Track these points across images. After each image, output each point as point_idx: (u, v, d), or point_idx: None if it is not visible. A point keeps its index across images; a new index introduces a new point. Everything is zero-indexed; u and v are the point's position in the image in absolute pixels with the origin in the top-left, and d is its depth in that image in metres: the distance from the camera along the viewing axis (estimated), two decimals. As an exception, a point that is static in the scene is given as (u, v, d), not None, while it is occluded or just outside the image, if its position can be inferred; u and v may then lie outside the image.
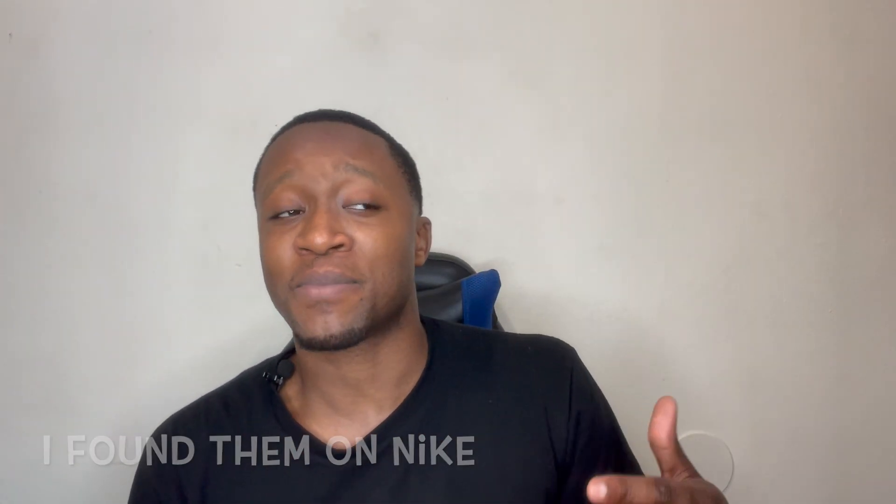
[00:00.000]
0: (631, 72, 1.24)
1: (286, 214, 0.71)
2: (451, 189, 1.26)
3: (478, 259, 1.26)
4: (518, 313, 1.28)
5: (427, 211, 1.27)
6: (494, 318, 1.14)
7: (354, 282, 0.69)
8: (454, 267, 1.17)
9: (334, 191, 0.70)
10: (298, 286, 0.69)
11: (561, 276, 1.28)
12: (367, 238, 0.69)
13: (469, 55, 1.23)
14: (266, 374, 0.81)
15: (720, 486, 1.40)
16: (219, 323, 1.26)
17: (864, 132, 1.25)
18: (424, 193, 1.25)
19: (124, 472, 1.30)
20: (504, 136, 1.25)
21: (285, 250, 0.70)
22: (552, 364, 0.80)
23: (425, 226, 0.82)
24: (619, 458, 0.80)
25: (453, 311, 1.05)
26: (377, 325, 0.72)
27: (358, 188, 0.70)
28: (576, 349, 0.84)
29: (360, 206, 0.70)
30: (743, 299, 1.29)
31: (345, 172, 0.70)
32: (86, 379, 1.26)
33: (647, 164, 1.26)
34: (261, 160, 0.78)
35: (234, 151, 1.23)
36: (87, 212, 1.24)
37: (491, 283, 1.10)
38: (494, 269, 1.15)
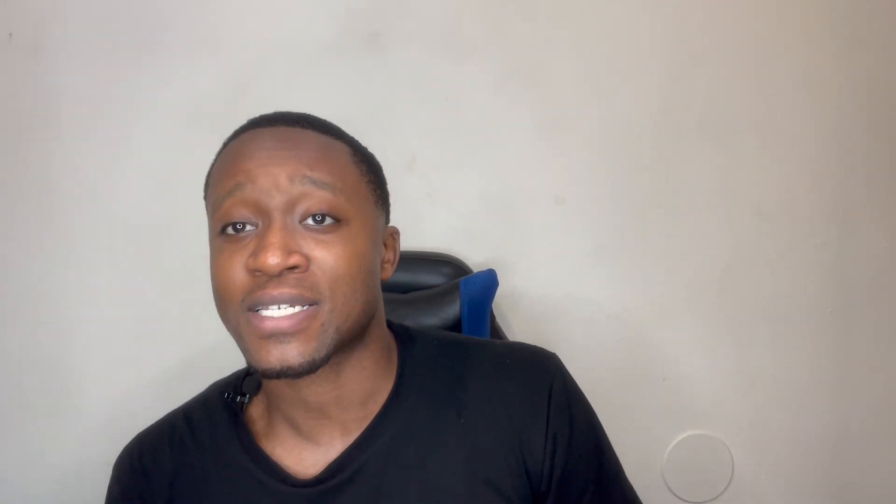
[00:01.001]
0: (631, 72, 1.24)
1: (236, 230, 0.66)
2: (450, 189, 1.26)
3: (477, 259, 1.26)
4: (518, 314, 1.28)
5: (427, 211, 1.28)
6: (492, 317, 1.14)
7: (312, 303, 0.64)
8: (452, 266, 1.17)
9: (290, 205, 0.64)
10: (250, 310, 0.64)
11: (561, 276, 1.28)
12: (326, 256, 0.64)
13: (469, 55, 1.23)
14: (228, 395, 0.77)
15: (720, 487, 1.41)
16: (219, 323, 1.25)
17: (864, 132, 1.25)
18: (424, 193, 1.26)
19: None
20: (504, 135, 1.25)
21: (237, 271, 0.64)
22: (530, 379, 0.74)
23: (393, 235, 0.75)
24: (599, 480, 0.76)
25: (451, 311, 1.05)
26: (340, 349, 0.67)
27: (315, 202, 0.64)
28: (572, 352, 0.81)
29: (317, 222, 0.65)
30: (743, 299, 1.29)
31: (301, 185, 0.64)
32: (86, 379, 1.26)
33: (647, 164, 1.26)
34: (212, 167, 0.72)
35: (234, 151, 1.23)
36: (88, 211, 1.24)
37: (488, 282, 1.10)
38: (492, 268, 1.15)
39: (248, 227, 0.65)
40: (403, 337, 0.78)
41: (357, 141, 0.74)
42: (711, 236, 1.27)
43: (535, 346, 0.79)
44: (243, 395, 0.77)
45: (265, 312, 0.63)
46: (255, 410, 0.77)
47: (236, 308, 0.65)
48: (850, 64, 1.24)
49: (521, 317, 1.28)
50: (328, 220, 0.65)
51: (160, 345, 1.26)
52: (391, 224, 0.77)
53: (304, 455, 0.72)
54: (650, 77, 1.24)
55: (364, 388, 0.72)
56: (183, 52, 1.22)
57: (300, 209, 0.64)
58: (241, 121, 1.18)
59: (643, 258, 1.28)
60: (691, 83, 1.24)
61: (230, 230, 0.66)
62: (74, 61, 1.21)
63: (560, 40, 1.24)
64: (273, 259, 0.61)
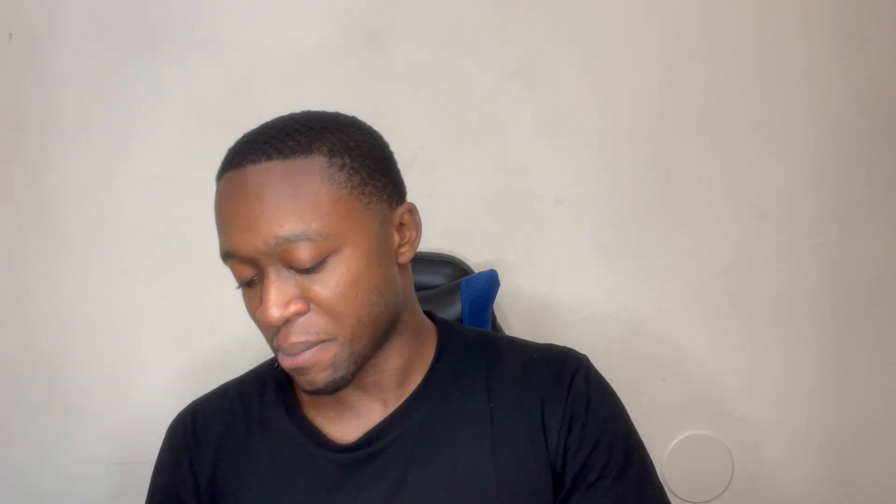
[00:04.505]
0: (631, 72, 1.24)
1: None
2: (451, 189, 1.26)
3: (477, 259, 1.26)
4: (518, 313, 1.28)
5: (427, 211, 1.26)
6: (493, 318, 1.14)
7: (322, 342, 0.68)
8: (453, 267, 1.17)
9: (275, 259, 0.66)
10: (277, 350, 0.70)
11: (561, 276, 1.28)
12: (321, 292, 0.67)
13: (469, 55, 1.23)
14: (278, 366, 0.82)
15: (720, 487, 1.41)
16: (218, 323, 1.26)
17: (864, 132, 1.25)
18: (424, 193, 1.26)
19: (123, 472, 1.31)
20: (504, 135, 1.25)
21: (256, 315, 0.70)
22: (555, 370, 0.79)
23: (410, 212, 0.75)
24: (622, 476, 0.76)
25: (452, 311, 1.05)
26: (367, 358, 0.72)
27: (296, 256, 0.65)
28: (586, 356, 0.83)
29: (305, 269, 0.67)
30: (743, 299, 1.29)
31: (277, 245, 0.65)
32: (86, 379, 1.26)
33: (647, 164, 1.26)
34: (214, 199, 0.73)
35: (234, 151, 1.23)
36: (88, 211, 1.24)
37: (490, 283, 1.10)
38: (493, 268, 1.15)
39: (255, 277, 0.69)
40: (443, 327, 0.83)
41: (338, 131, 0.70)
42: (711, 236, 1.27)
43: (565, 347, 0.83)
44: None
45: (284, 354, 0.69)
46: None
47: (269, 343, 0.71)
48: (851, 64, 1.24)
49: (522, 317, 1.28)
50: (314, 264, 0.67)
51: (160, 345, 1.26)
52: (408, 200, 0.76)
53: (344, 423, 0.77)
54: (650, 77, 1.24)
55: (402, 370, 0.77)
56: (183, 52, 1.22)
57: (285, 261, 0.66)
58: (241, 120, 1.17)
59: (643, 258, 1.28)
60: (691, 83, 1.24)
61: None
62: (74, 61, 1.21)
63: (560, 40, 1.24)
64: (272, 315, 0.66)
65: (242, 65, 1.22)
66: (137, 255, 1.25)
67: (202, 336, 1.26)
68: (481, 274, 1.12)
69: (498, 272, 1.14)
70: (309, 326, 0.67)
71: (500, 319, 1.21)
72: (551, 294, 1.28)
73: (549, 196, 1.26)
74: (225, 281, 1.24)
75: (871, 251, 1.28)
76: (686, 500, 1.34)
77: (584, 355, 0.83)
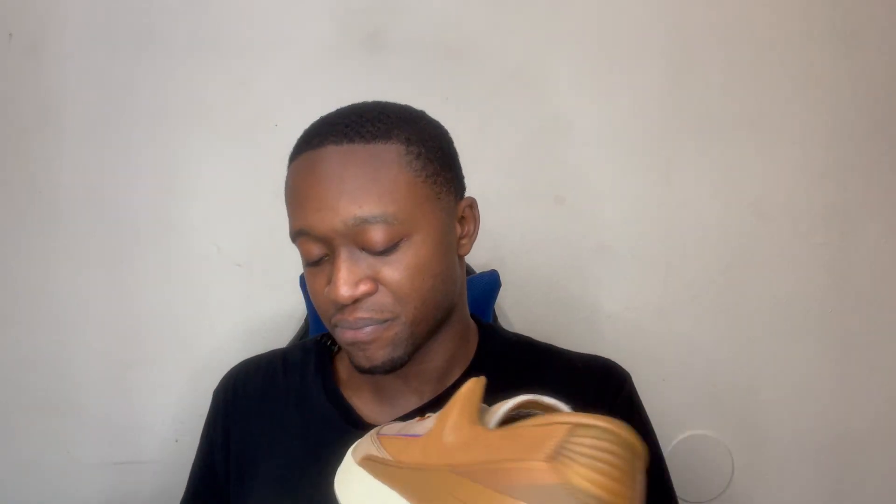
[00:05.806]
0: (631, 72, 1.24)
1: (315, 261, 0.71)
2: (451, 189, 1.26)
3: (478, 259, 1.26)
4: (519, 313, 1.28)
5: (427, 211, 1.28)
6: (495, 317, 1.14)
7: (385, 321, 0.69)
8: (454, 267, 1.17)
9: (350, 239, 0.67)
10: (336, 326, 0.71)
11: (561, 276, 1.28)
12: (392, 274, 0.68)
13: (468, 55, 1.23)
14: (323, 339, 0.84)
15: (720, 487, 1.41)
16: (218, 323, 1.26)
17: (864, 132, 1.26)
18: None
19: (123, 472, 1.31)
20: (504, 135, 1.25)
21: (321, 294, 0.71)
22: (599, 381, 0.78)
23: (470, 207, 0.77)
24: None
25: (453, 312, 1.05)
26: (423, 342, 0.72)
27: (371, 238, 0.67)
28: (629, 373, 0.82)
29: (378, 251, 0.68)
30: (743, 299, 1.29)
31: (355, 225, 0.66)
32: (86, 379, 1.26)
33: (647, 163, 1.26)
34: (286, 179, 0.74)
35: (234, 151, 1.23)
36: (88, 212, 1.23)
37: (491, 283, 1.10)
38: (494, 269, 1.15)
39: (324, 257, 0.70)
40: (486, 329, 0.84)
41: (413, 122, 0.73)
42: (711, 236, 1.27)
43: (609, 360, 0.82)
44: (335, 342, 0.83)
45: (346, 327, 0.70)
46: (343, 362, 0.83)
47: (327, 322, 0.72)
48: (851, 63, 1.24)
49: (522, 317, 1.28)
50: (387, 247, 0.68)
51: (160, 345, 1.26)
52: (468, 195, 0.78)
53: (378, 409, 0.78)
54: (650, 77, 1.24)
55: (445, 364, 0.78)
56: (183, 52, 1.22)
57: (359, 242, 0.68)
58: (241, 120, 1.18)
59: (643, 258, 1.28)
60: (692, 83, 1.24)
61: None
62: (74, 61, 1.21)
63: (560, 40, 1.24)
64: (343, 293, 0.67)
65: (242, 64, 1.22)
66: (137, 255, 1.25)
67: (202, 336, 1.26)
68: (482, 274, 1.12)
69: (499, 272, 1.14)
70: (374, 304, 0.68)
71: (501, 319, 1.21)
72: (552, 294, 1.28)
73: (549, 196, 1.26)
74: (224, 280, 1.25)
75: (871, 251, 1.28)
76: (686, 500, 1.34)
77: (628, 373, 0.82)
